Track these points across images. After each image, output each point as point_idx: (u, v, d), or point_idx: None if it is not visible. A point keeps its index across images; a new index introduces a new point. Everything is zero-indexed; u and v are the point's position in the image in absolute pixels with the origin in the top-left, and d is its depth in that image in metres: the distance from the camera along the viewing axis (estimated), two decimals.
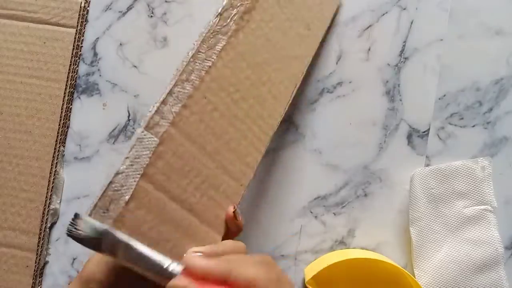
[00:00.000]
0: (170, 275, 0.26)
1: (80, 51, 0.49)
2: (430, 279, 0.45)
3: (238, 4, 0.33)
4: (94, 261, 0.31)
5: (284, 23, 0.37)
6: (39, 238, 0.48)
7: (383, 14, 0.48)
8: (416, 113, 0.48)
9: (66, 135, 0.49)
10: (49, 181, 0.48)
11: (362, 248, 0.47)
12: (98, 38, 0.50)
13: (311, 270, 0.44)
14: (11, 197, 0.48)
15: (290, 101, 0.40)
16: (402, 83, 0.48)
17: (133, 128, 0.49)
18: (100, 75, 0.49)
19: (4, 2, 0.49)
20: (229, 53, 0.33)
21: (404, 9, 0.48)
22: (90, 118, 0.49)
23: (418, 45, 0.48)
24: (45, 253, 0.48)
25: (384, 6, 0.48)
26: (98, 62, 0.49)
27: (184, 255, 0.28)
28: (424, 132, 0.48)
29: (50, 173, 0.48)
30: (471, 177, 0.46)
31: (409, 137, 0.48)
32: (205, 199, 0.32)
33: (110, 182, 0.27)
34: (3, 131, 0.48)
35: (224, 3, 0.33)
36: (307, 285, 0.43)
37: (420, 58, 0.48)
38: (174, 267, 0.27)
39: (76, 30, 0.49)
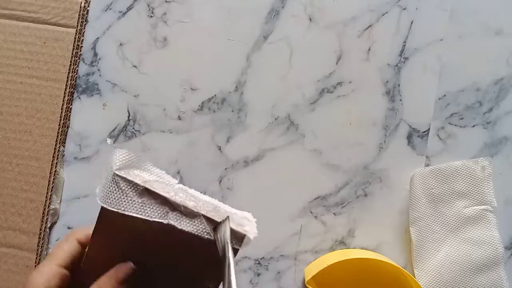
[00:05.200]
0: None
1: (80, 51, 0.49)
2: (430, 279, 0.45)
3: None
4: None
5: None
6: (39, 238, 0.48)
7: (383, 14, 0.48)
8: (416, 113, 0.48)
9: (66, 135, 0.49)
10: (49, 181, 0.48)
11: (362, 248, 0.47)
12: (98, 38, 0.50)
13: (311, 270, 0.44)
14: (11, 197, 0.48)
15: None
16: (402, 83, 0.48)
17: (133, 128, 0.49)
18: (100, 75, 0.49)
19: (4, 2, 0.49)
20: None
21: (404, 9, 0.48)
22: (90, 118, 0.49)
23: (418, 45, 0.48)
24: (45, 253, 0.48)
25: (384, 6, 0.48)
26: (98, 62, 0.49)
27: None
28: (424, 132, 0.48)
29: (50, 173, 0.48)
30: (471, 177, 0.46)
31: (409, 137, 0.48)
32: None
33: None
34: (3, 131, 0.48)
35: None
36: (307, 285, 0.43)
37: (420, 58, 0.48)
38: None
39: (76, 30, 0.49)
